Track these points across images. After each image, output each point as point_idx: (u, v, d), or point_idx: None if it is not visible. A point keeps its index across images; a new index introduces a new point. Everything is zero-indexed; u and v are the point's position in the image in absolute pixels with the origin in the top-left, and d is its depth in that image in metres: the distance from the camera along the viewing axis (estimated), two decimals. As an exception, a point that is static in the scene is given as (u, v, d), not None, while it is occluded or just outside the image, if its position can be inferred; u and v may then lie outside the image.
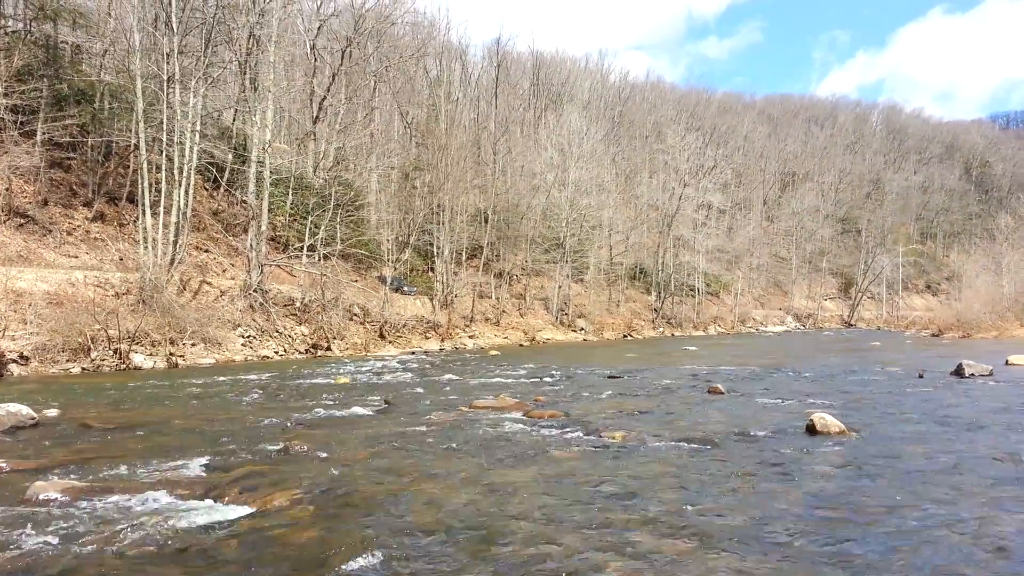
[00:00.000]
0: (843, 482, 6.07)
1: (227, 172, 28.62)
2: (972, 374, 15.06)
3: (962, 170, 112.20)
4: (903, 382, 14.51)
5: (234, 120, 30.45)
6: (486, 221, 37.76)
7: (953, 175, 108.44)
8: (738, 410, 10.55)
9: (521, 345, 32.74)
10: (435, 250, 35.24)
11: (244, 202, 26.88)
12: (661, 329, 46.24)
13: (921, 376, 15.40)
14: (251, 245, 23.55)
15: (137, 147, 21.88)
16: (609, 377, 15.99)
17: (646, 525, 4.83)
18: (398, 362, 20.86)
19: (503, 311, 36.90)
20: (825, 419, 8.44)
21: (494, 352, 26.90)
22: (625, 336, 41.55)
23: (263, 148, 24.93)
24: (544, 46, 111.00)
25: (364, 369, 18.05)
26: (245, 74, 26.35)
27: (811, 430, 8.35)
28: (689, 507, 5.28)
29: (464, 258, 37.57)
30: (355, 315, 26.69)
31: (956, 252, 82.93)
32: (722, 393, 12.53)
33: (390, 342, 26.64)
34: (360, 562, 4.20)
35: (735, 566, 4.01)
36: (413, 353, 25.01)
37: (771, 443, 7.81)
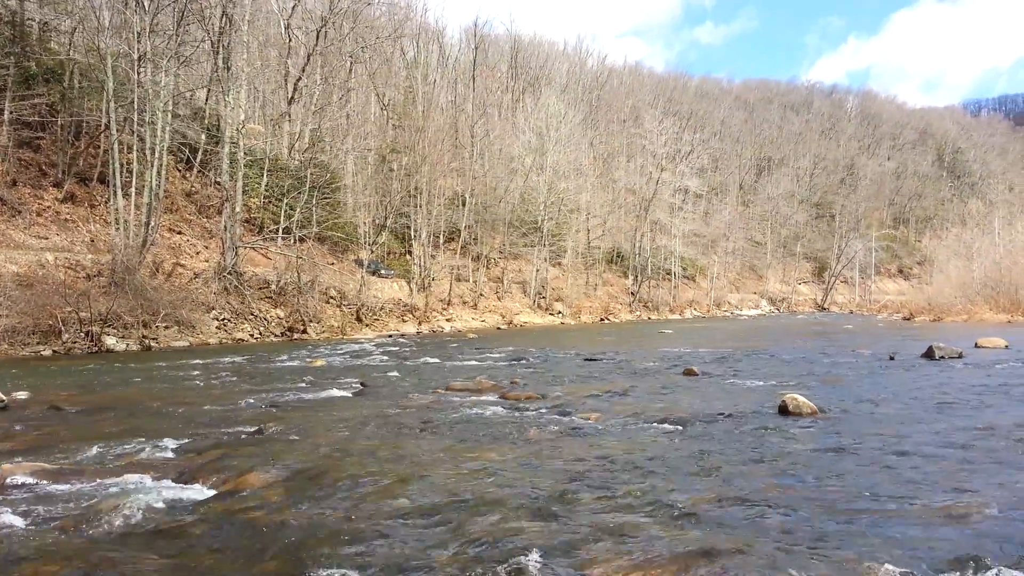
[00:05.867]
0: (813, 461, 6.15)
1: (200, 153, 28.20)
2: (942, 356, 15.33)
3: (935, 156, 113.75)
4: (874, 364, 14.74)
5: (207, 100, 29.96)
6: (464, 204, 37.64)
7: (926, 161, 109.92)
8: (712, 391, 10.66)
9: (498, 328, 32.78)
10: (412, 233, 35.09)
11: (218, 183, 26.55)
12: (638, 313, 46.51)
13: (892, 358, 15.65)
14: (225, 227, 23.28)
15: (108, 127, 21.48)
16: (586, 360, 16.08)
17: (620, 505, 4.86)
18: (375, 345, 20.80)
19: (481, 294, 36.90)
20: (797, 400, 8.55)
21: (471, 335, 26.93)
22: (602, 319, 41.75)
23: (237, 129, 24.58)
24: (522, 29, 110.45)
25: (340, 352, 17.99)
26: (218, 54, 25.83)
27: (783, 411, 8.45)
28: (662, 486, 5.31)
29: (442, 241, 37.45)
30: (331, 298, 26.54)
31: (928, 237, 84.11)
32: (697, 375, 12.66)
33: (367, 325, 26.54)
34: (334, 543, 4.18)
35: (707, 544, 4.06)
36: (390, 336, 24.96)
37: (744, 424, 7.90)
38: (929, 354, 15.62)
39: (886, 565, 3.75)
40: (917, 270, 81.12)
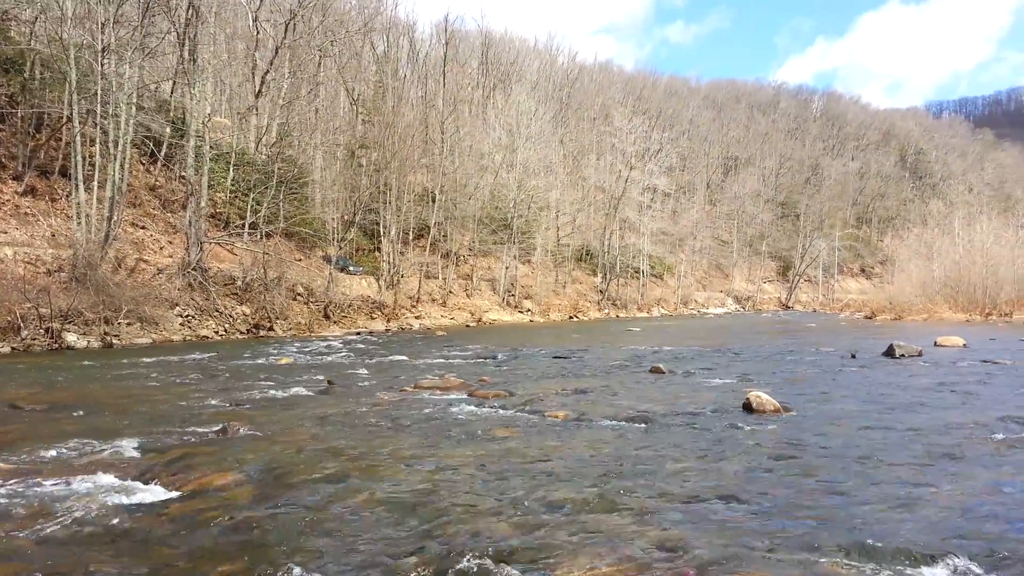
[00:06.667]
0: (777, 457, 6.25)
1: (165, 146, 27.73)
2: (902, 355, 15.66)
3: (898, 157, 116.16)
4: (837, 362, 15.00)
5: (172, 93, 29.46)
6: (433, 201, 37.52)
7: (889, 162, 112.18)
8: (678, 389, 10.77)
9: (467, 326, 32.78)
10: (381, 229, 34.89)
11: (183, 177, 26.14)
12: (607, 310, 46.82)
13: (854, 356, 15.96)
14: (190, 222, 22.95)
15: (70, 119, 21.02)
16: (554, 358, 16.15)
17: (587, 501, 4.90)
18: (342, 342, 20.68)
19: (450, 292, 36.86)
20: (761, 397, 8.68)
21: (440, 332, 26.89)
22: (571, 317, 41.96)
23: (202, 122, 24.24)
24: (494, 25, 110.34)
25: (307, 349, 17.85)
26: (184, 46, 25.40)
27: (748, 408, 8.57)
28: (629, 484, 5.36)
29: (411, 238, 37.30)
30: (299, 295, 26.31)
31: (890, 237, 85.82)
32: (663, 373, 12.77)
33: (335, 322, 26.36)
34: (299, 543, 4.15)
35: (672, 540, 4.12)
36: (358, 333, 24.82)
37: (709, 421, 8.01)
38: (890, 352, 15.97)
39: (846, 559, 3.85)
40: (879, 269, 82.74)
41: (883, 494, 5.10)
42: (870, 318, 41.19)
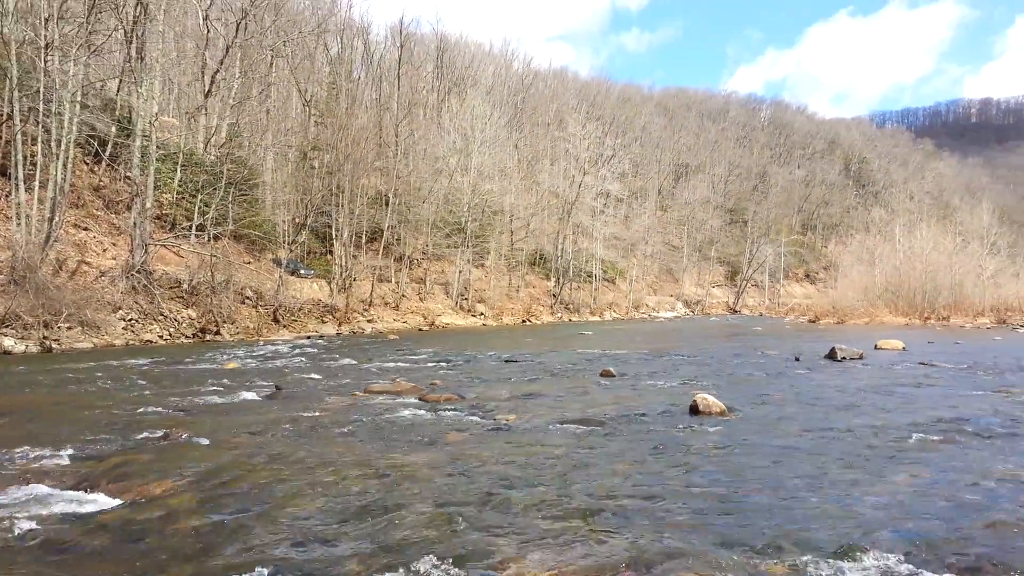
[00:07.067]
0: (721, 459, 6.42)
1: (110, 146, 26.99)
2: (844, 357, 16.20)
3: (842, 166, 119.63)
4: (781, 365, 15.41)
5: (118, 91, 28.70)
6: (387, 204, 37.28)
7: (833, 170, 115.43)
8: (627, 392, 10.94)
9: (420, 330, 32.67)
10: (334, 232, 34.53)
11: (128, 178, 25.51)
12: (559, 314, 47.11)
13: (797, 359, 16.44)
14: (135, 223, 22.40)
15: (10, 117, 20.35)
16: (506, 361, 16.23)
17: (536, 505, 4.95)
18: (292, 347, 20.43)
19: (403, 295, 36.68)
20: (707, 400, 8.87)
21: (393, 336, 26.75)
22: (524, 321, 42.12)
23: (149, 122, 23.71)
24: (449, 29, 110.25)
25: (255, 354, 17.60)
26: (131, 43, 24.78)
27: (694, 410, 8.75)
28: (577, 486, 5.44)
29: (364, 241, 37.01)
30: (247, 298, 25.89)
31: (834, 243, 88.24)
32: (613, 376, 12.95)
33: (284, 326, 26.01)
34: (242, 552, 4.11)
35: (616, 541, 4.23)
36: (308, 337, 24.53)
37: (656, 423, 8.16)
38: (832, 355, 16.48)
39: (784, 556, 4.00)
40: (823, 274, 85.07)
41: (821, 493, 5.30)
42: (814, 322, 42.26)
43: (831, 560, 3.94)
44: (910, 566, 3.87)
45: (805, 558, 3.97)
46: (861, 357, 16.47)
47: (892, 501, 5.09)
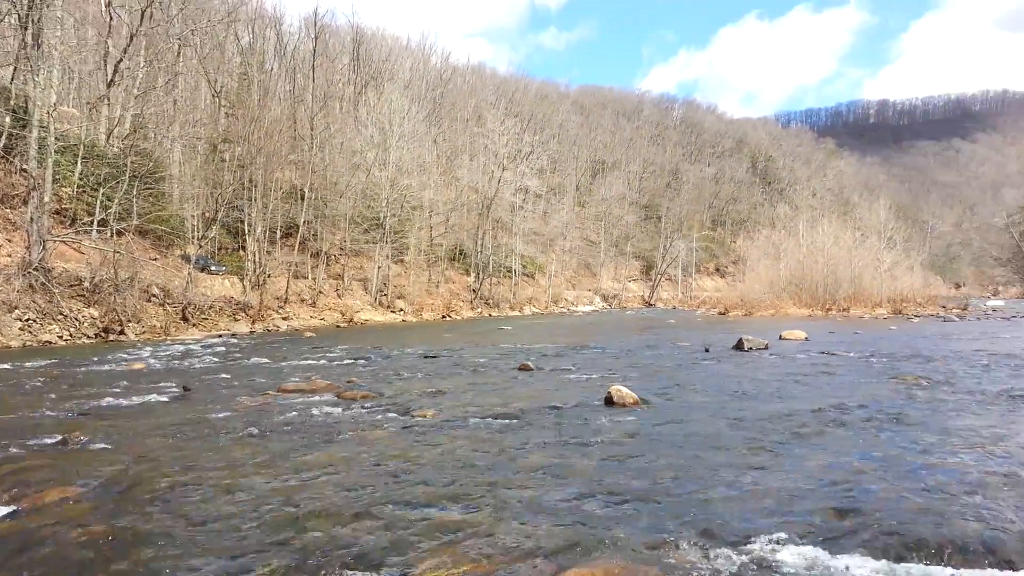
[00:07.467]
0: (634, 448, 6.60)
1: (3, 137, 25.40)
2: (751, 348, 16.92)
3: (749, 164, 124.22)
4: (692, 356, 15.96)
5: (13, 79, 27.01)
6: (302, 198, 36.44)
7: (741, 168, 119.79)
8: (544, 385, 11.11)
9: (338, 327, 32.14)
10: (247, 228, 33.51)
11: (24, 171, 24.05)
12: (479, 310, 47.23)
13: (707, 350, 17.06)
14: (32, 218, 21.16)
15: None
16: (425, 357, 16.17)
17: (449, 500, 4.99)
18: (202, 346, 19.76)
19: (320, 292, 35.99)
20: (621, 391, 9.11)
21: (309, 334, 26.23)
22: (444, 317, 42.02)
23: (47, 112, 22.43)
24: (366, 21, 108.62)
25: (163, 354, 16.93)
26: (27, 29, 23.31)
27: (609, 402, 8.97)
28: (492, 480, 5.50)
29: (279, 237, 36.06)
30: (154, 296, 24.87)
31: (742, 238, 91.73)
32: (531, 370, 13.11)
33: (194, 325, 25.12)
34: (148, 560, 3.98)
35: (529, 534, 4.31)
36: (220, 336, 23.77)
37: (572, 415, 8.32)
38: (739, 346, 17.18)
39: (694, 543, 4.17)
40: (732, 269, 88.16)
41: (729, 480, 5.53)
42: (724, 314, 43.69)
43: (742, 545, 4.13)
44: (819, 547, 4.09)
45: (716, 544, 4.15)
46: (767, 347, 17.21)
47: (796, 484, 5.37)
